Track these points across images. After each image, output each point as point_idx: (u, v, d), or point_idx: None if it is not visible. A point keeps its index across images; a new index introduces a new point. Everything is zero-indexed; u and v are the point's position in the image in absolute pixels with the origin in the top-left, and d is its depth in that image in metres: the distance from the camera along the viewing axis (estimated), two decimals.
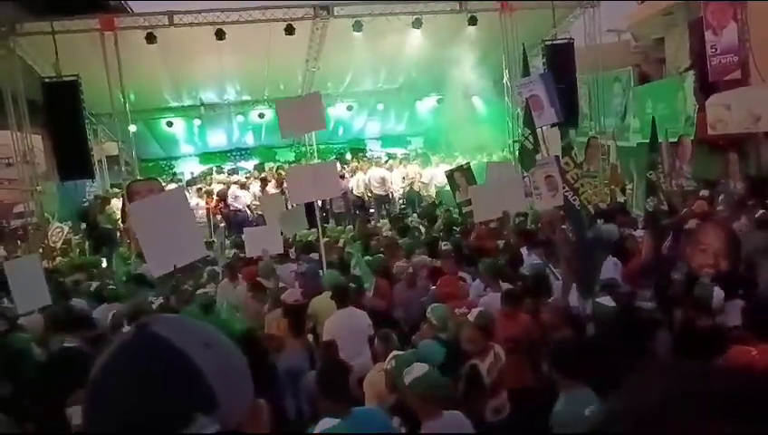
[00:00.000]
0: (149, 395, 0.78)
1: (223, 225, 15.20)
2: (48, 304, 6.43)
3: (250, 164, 19.68)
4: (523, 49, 13.81)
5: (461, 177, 11.56)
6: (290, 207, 11.40)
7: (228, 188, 16.59)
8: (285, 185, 13.84)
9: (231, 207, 16.03)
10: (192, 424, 0.78)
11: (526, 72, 13.25)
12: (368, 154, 20.13)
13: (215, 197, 16.36)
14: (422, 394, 3.30)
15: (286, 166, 17.79)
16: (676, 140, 12.82)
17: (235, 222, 15.39)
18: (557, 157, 9.96)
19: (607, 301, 4.85)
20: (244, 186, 16.68)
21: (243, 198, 16.14)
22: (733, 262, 4.89)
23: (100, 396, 0.82)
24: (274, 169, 17.88)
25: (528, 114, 10.57)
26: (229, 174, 18.74)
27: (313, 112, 7.99)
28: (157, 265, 6.85)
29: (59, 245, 13.48)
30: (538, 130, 10.72)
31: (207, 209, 15.89)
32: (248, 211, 16.02)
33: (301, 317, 5.77)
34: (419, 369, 3.37)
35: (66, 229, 13.81)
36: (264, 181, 16.45)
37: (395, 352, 4.01)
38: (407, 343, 5.31)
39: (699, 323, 4.56)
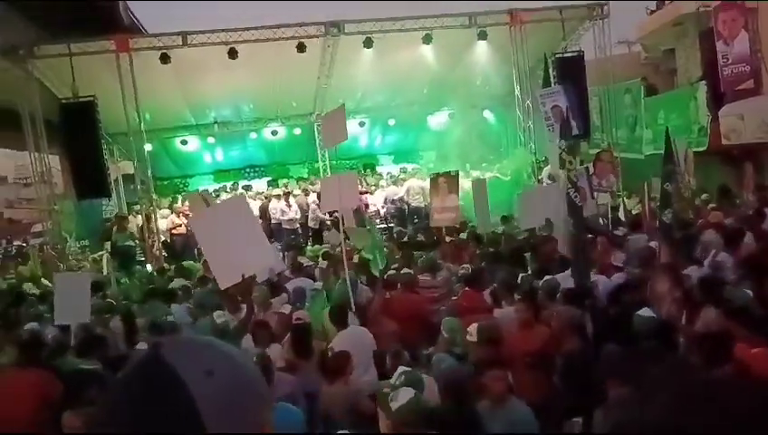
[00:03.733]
0: (139, 418, 0.82)
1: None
2: (86, 321, 6.56)
3: (263, 181, 19.81)
4: (545, 59, 13.78)
5: (444, 183, 11.42)
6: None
7: (269, 201, 16.68)
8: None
9: (274, 221, 16.14)
10: None
11: (547, 83, 13.19)
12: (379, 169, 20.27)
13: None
14: (406, 421, 3.30)
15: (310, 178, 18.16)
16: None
17: (279, 234, 15.74)
18: (586, 168, 9.94)
19: (646, 312, 4.81)
20: (306, 192, 16.66)
21: (288, 212, 16.25)
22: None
23: (105, 412, 0.88)
24: (295, 182, 18.22)
25: (564, 125, 10.58)
26: (244, 189, 18.85)
27: (339, 125, 8.07)
28: (223, 279, 6.67)
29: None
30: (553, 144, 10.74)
31: None
32: (297, 225, 16.23)
33: (307, 337, 5.71)
34: (405, 395, 3.36)
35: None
36: (288, 195, 16.52)
37: (402, 368, 4.02)
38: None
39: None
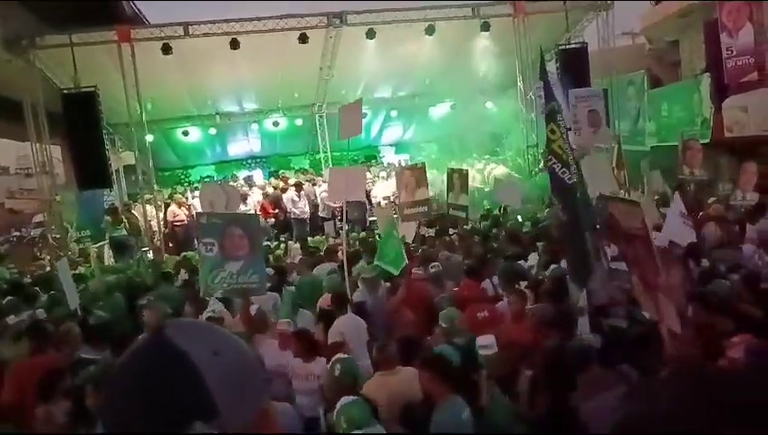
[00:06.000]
0: (151, 399, 0.82)
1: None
2: (76, 305, 6.78)
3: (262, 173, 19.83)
4: (541, 52, 13.71)
5: (411, 176, 11.34)
6: None
7: (283, 192, 16.69)
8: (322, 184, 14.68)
9: (288, 213, 16.19)
10: (189, 431, 0.80)
11: (544, 74, 13.09)
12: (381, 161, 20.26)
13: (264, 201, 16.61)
14: None
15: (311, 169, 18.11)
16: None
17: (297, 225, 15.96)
18: (604, 90, 9.38)
19: (619, 322, 4.72)
20: (314, 182, 16.73)
21: (298, 203, 16.25)
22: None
23: (111, 394, 0.86)
24: (301, 174, 18.23)
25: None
26: (245, 181, 18.85)
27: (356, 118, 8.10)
28: None
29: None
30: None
31: None
32: (306, 216, 16.23)
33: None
34: None
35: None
36: (299, 186, 16.50)
37: (339, 356, 4.16)
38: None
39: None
